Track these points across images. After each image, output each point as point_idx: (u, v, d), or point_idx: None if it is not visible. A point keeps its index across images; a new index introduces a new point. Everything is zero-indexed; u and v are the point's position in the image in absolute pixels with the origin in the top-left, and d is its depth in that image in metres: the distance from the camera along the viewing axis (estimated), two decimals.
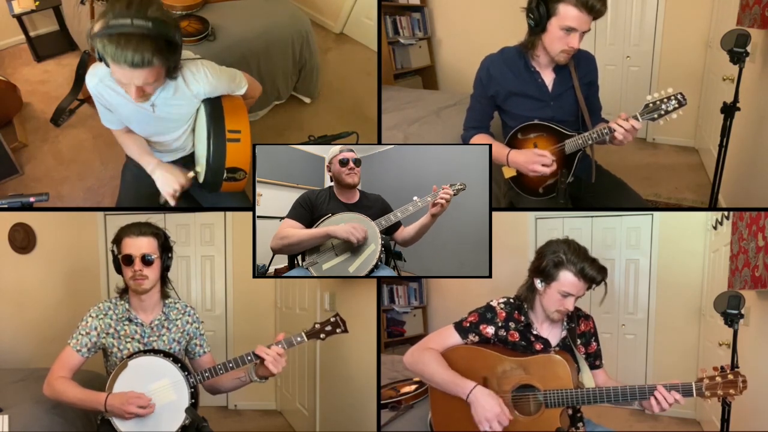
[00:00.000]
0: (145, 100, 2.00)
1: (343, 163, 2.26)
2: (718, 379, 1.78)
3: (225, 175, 2.11)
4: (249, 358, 1.99)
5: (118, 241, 2.04)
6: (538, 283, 1.94)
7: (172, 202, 2.18)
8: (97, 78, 2.05)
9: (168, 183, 2.17)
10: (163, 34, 1.82)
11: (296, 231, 2.19)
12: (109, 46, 1.79)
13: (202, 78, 2.09)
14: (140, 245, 2.01)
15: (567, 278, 1.88)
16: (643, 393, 1.84)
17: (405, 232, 2.28)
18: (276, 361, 1.96)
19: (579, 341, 2.00)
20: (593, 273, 1.86)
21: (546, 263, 1.90)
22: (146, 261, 2.01)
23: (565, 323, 2.00)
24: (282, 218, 2.26)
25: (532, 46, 2.23)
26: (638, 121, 2.10)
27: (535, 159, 2.22)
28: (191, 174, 2.22)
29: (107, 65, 1.89)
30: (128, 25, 1.77)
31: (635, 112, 2.13)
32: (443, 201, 2.15)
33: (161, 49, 1.83)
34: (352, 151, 2.28)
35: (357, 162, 2.27)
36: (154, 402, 1.91)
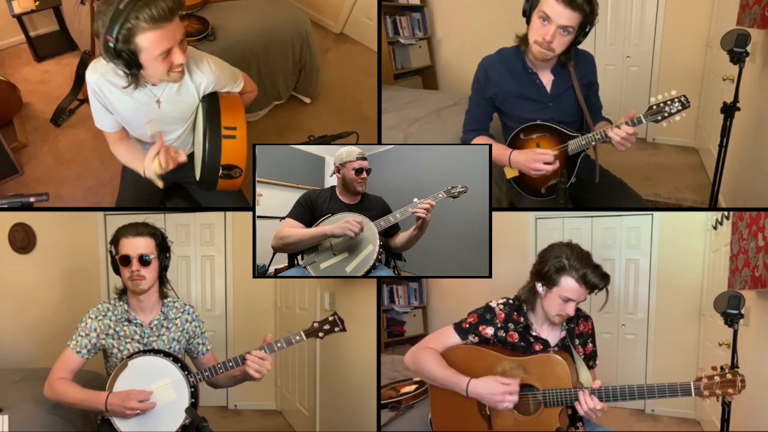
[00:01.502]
0: (182, 71, 1.98)
1: (359, 171, 2.27)
2: (717, 378, 1.78)
3: (221, 172, 2.10)
4: (239, 359, 2.00)
5: (115, 241, 2.04)
6: (540, 287, 1.93)
7: (160, 172, 2.04)
8: (98, 73, 2.03)
9: (153, 172, 2.06)
10: None
11: (295, 231, 2.20)
12: (142, 12, 1.78)
13: (205, 68, 2.09)
14: (137, 245, 2.01)
15: (568, 284, 1.87)
16: (643, 393, 1.84)
17: (398, 239, 2.29)
18: (259, 366, 1.96)
19: (577, 341, 2.00)
20: (595, 280, 1.86)
21: (548, 268, 1.89)
22: (143, 261, 2.01)
23: (564, 324, 2.00)
24: (282, 218, 2.26)
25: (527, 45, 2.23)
26: (631, 127, 2.09)
27: (537, 158, 2.21)
28: (153, 150, 2.07)
29: (131, 61, 1.87)
30: None
31: (637, 111, 2.13)
32: (422, 213, 2.13)
33: None
34: (366, 158, 2.29)
35: (369, 171, 2.29)
36: (155, 400, 1.91)
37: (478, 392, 1.88)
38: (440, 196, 2.19)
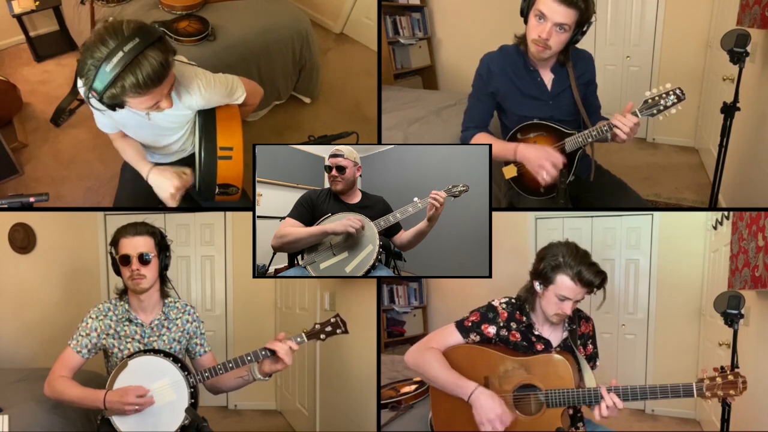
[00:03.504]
0: (170, 104, 1.96)
1: (327, 169, 2.26)
2: (719, 380, 1.78)
3: (217, 189, 2.12)
4: (249, 358, 1.99)
5: (115, 242, 2.04)
6: (537, 285, 1.93)
7: (172, 204, 2.17)
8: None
9: (163, 188, 2.13)
10: (152, 37, 1.77)
11: (295, 229, 2.19)
12: (128, 80, 1.74)
13: (194, 91, 2.06)
14: (137, 244, 2.01)
15: (564, 282, 1.86)
16: (645, 394, 1.84)
17: (403, 236, 2.28)
18: (288, 354, 1.96)
19: (578, 342, 2.00)
20: (590, 277, 1.85)
21: (544, 266, 1.89)
22: (143, 260, 2.01)
23: (566, 324, 1.99)
24: (282, 218, 2.26)
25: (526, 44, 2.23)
26: (637, 117, 2.09)
27: (547, 156, 2.18)
28: (187, 172, 2.16)
29: (115, 107, 1.84)
30: (123, 54, 1.72)
31: (635, 109, 2.13)
32: (435, 203, 2.12)
33: (162, 48, 1.79)
34: (341, 156, 2.25)
35: (341, 169, 2.24)
36: (154, 399, 1.91)
37: (480, 403, 1.86)
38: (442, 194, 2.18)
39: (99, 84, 1.75)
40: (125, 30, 1.74)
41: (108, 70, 1.72)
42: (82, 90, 1.88)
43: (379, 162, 2.85)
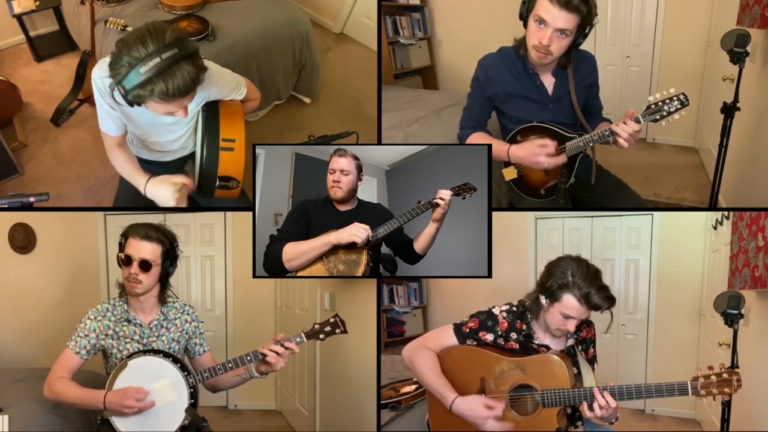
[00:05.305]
0: (185, 115, 1.97)
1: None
2: (713, 378, 1.78)
3: (217, 183, 2.10)
4: (249, 358, 1.99)
5: (124, 237, 2.04)
6: (543, 300, 1.90)
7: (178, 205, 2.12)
8: (104, 72, 1.96)
9: (163, 200, 2.08)
10: (189, 50, 1.78)
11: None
12: (158, 86, 1.75)
13: (207, 81, 2.03)
14: (141, 249, 2.00)
15: (570, 302, 1.83)
16: (641, 393, 1.84)
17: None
18: (278, 360, 1.96)
19: (580, 347, 2.00)
20: (598, 301, 1.81)
21: (551, 283, 1.85)
22: (144, 266, 2.00)
23: (571, 333, 1.96)
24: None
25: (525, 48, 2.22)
26: (638, 124, 2.07)
27: (538, 150, 2.17)
28: (185, 181, 2.10)
29: (135, 104, 1.86)
30: (160, 61, 1.73)
31: (635, 111, 2.11)
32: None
33: (196, 64, 1.81)
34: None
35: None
36: (154, 399, 1.91)
37: (462, 411, 1.87)
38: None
39: (129, 83, 1.77)
40: (168, 37, 1.75)
41: (142, 72, 1.74)
42: (107, 81, 1.88)
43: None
